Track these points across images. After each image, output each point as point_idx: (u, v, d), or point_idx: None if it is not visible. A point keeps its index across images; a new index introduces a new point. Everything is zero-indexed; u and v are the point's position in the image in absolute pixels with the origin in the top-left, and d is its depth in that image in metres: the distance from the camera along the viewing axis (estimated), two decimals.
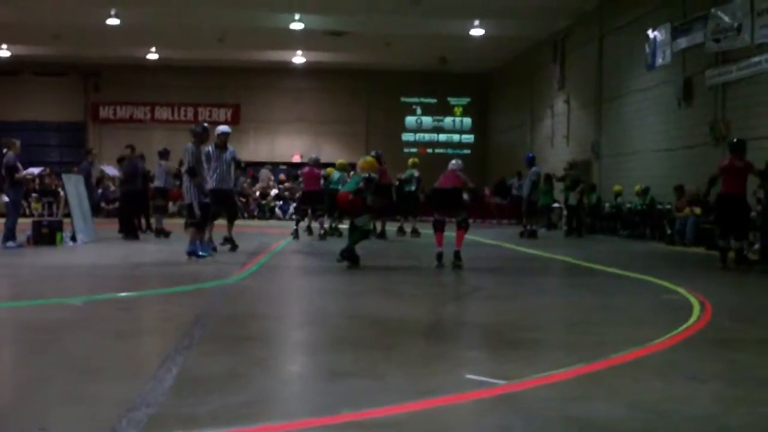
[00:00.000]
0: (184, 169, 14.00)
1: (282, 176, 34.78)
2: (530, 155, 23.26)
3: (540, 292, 10.65)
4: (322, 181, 19.45)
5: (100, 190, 27.44)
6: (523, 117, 33.55)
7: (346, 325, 7.32)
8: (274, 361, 5.93)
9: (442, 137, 38.86)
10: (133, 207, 19.02)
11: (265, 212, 32.39)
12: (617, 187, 23.19)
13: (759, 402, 4.82)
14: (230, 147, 14.97)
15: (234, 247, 14.71)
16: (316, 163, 19.60)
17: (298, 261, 14.71)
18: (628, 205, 22.53)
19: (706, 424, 4.30)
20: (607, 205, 23.80)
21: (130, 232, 18.31)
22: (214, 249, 14.23)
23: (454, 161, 13.75)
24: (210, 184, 14.09)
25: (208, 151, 14.10)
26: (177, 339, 6.26)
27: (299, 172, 21.08)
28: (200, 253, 13.03)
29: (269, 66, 36.21)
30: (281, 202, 32.53)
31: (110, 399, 4.50)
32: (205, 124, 14.21)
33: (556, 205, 26.46)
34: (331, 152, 33.65)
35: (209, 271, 11.52)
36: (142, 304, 8.72)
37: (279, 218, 31.35)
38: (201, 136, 13.48)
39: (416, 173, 20.83)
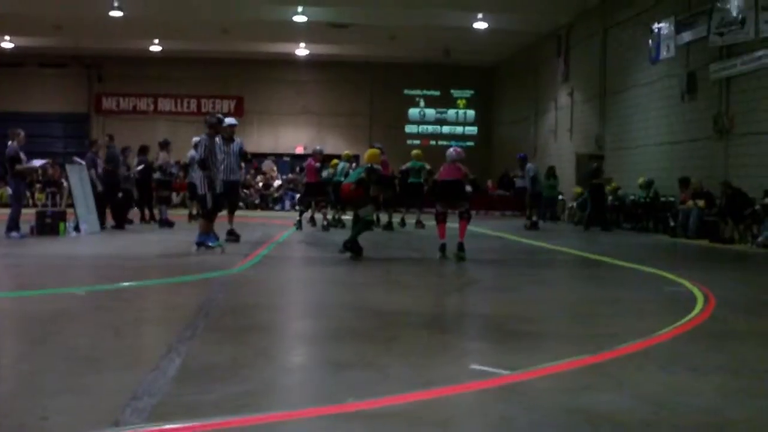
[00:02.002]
0: (188, 159, 13.99)
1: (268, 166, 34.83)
2: (521, 155, 23.39)
3: (543, 284, 10.64)
4: (324, 173, 19.42)
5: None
6: (526, 110, 33.52)
7: (349, 316, 7.31)
8: (276, 352, 5.93)
9: (446, 129, 38.84)
10: (113, 197, 18.72)
11: (268, 203, 32.42)
12: (612, 185, 23.17)
13: (762, 394, 4.82)
14: (237, 138, 14.97)
15: (237, 238, 14.70)
16: (315, 155, 19.51)
17: (301, 252, 14.71)
18: (632, 198, 22.52)
19: (710, 415, 4.30)
20: (610, 198, 23.76)
21: (119, 222, 18.23)
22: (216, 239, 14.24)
23: (452, 149, 13.60)
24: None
25: (216, 143, 14.07)
26: (180, 329, 6.26)
27: (304, 164, 21.05)
28: (210, 244, 13.00)
29: (273, 58, 36.19)
30: (284, 193, 32.56)
31: (113, 389, 4.50)
32: (219, 115, 14.07)
33: (561, 197, 26.46)
34: (335, 144, 33.70)
35: (212, 262, 11.51)
36: (145, 295, 8.72)
37: (282, 209, 31.34)
38: (216, 127, 13.37)
39: (427, 165, 20.56)
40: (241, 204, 27.69)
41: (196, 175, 13.72)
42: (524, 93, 33.90)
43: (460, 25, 28.75)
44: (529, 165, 22.28)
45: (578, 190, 24.37)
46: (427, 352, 5.75)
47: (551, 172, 25.82)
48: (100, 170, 18.80)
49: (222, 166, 14.23)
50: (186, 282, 9.58)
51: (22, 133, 15.51)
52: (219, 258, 12.10)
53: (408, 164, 20.70)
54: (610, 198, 23.50)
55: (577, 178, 26.10)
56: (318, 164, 19.47)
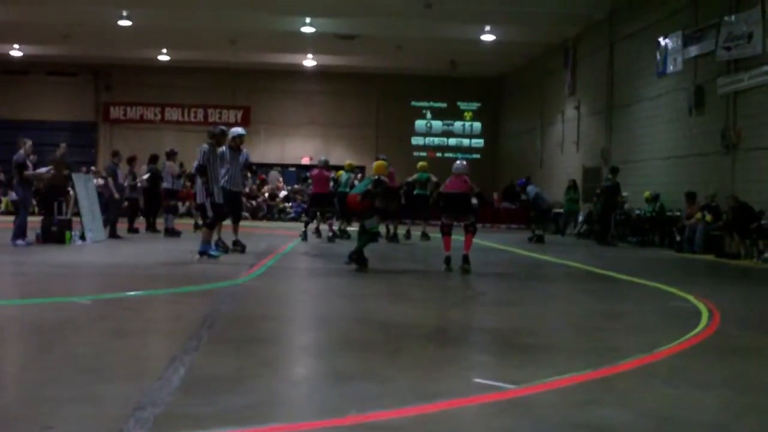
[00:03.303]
0: (194, 168, 14.09)
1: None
2: (521, 182, 23.43)
3: (548, 297, 10.63)
4: (331, 184, 19.45)
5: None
6: (533, 122, 33.53)
7: (353, 328, 7.31)
8: (281, 363, 5.92)
9: (452, 141, 38.86)
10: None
11: (274, 214, 32.40)
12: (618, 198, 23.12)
13: (767, 410, 4.80)
14: (244, 150, 14.99)
15: (242, 249, 14.70)
16: (326, 166, 19.60)
17: (307, 263, 14.70)
18: (638, 212, 22.47)
19: (714, 431, 4.29)
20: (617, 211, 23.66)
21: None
22: (225, 250, 14.28)
23: (458, 162, 13.68)
24: (221, 184, 14.16)
25: (222, 152, 14.14)
26: (185, 339, 6.26)
27: (308, 174, 21.11)
28: (212, 253, 13.05)
29: (280, 68, 36.26)
30: (291, 204, 32.56)
31: (117, 398, 4.49)
32: (224, 128, 14.17)
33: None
34: (341, 155, 33.66)
35: (218, 272, 11.51)
36: (150, 304, 8.72)
37: (288, 219, 31.31)
38: (218, 138, 13.52)
39: (434, 178, 20.52)
40: (246, 214, 27.83)
41: (197, 184, 13.80)
42: (531, 105, 33.91)
43: (467, 37, 28.81)
44: (529, 188, 22.36)
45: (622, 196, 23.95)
46: (431, 365, 5.74)
47: (571, 185, 25.70)
48: (121, 180, 18.96)
49: (227, 176, 14.29)
50: (191, 292, 9.58)
51: (29, 142, 15.56)
52: (224, 268, 12.10)
53: (414, 176, 20.69)
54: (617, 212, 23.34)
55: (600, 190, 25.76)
56: (332, 174, 19.56)
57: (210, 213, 13.04)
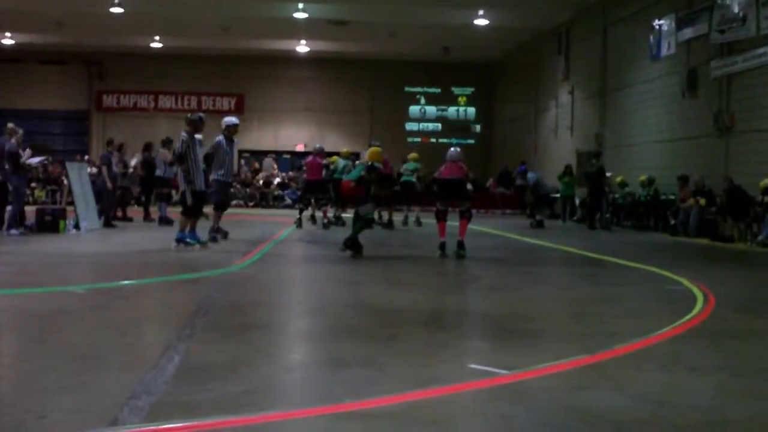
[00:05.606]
0: (174, 156, 14.05)
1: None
2: (522, 167, 23.44)
3: (543, 282, 10.64)
4: (324, 171, 19.40)
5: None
6: (527, 107, 33.49)
7: (348, 314, 7.30)
8: (276, 350, 5.92)
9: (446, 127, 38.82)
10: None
11: (269, 201, 32.36)
12: (620, 178, 23.09)
13: (762, 393, 4.81)
14: (236, 139, 14.93)
15: (225, 235, 14.64)
16: (320, 153, 19.58)
17: (301, 250, 14.69)
18: (631, 195, 22.47)
19: (709, 415, 4.29)
20: (611, 195, 23.64)
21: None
22: (225, 236, 14.31)
23: (453, 149, 13.67)
24: (217, 176, 14.14)
25: (219, 142, 13.98)
26: (179, 327, 6.26)
27: (303, 161, 21.07)
28: (188, 240, 12.99)
29: (273, 55, 36.18)
30: (287, 191, 32.51)
31: (111, 387, 4.49)
32: (202, 115, 14.03)
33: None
34: (335, 141, 33.65)
35: (212, 260, 11.50)
36: (144, 292, 8.71)
37: (283, 206, 31.28)
38: (196, 125, 13.43)
39: (421, 168, 20.67)
40: (240, 202, 27.88)
41: (178, 172, 13.73)
42: (525, 90, 33.86)
43: (461, 21, 28.74)
44: (530, 174, 22.39)
45: (620, 178, 23.81)
46: (427, 351, 5.75)
47: (567, 171, 25.69)
48: (115, 169, 18.95)
49: (222, 170, 14.20)
50: (185, 280, 9.57)
51: (21, 131, 15.50)
52: (218, 256, 12.09)
53: (405, 165, 20.87)
54: (615, 195, 23.24)
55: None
56: (324, 161, 19.55)
57: (189, 201, 12.98)
